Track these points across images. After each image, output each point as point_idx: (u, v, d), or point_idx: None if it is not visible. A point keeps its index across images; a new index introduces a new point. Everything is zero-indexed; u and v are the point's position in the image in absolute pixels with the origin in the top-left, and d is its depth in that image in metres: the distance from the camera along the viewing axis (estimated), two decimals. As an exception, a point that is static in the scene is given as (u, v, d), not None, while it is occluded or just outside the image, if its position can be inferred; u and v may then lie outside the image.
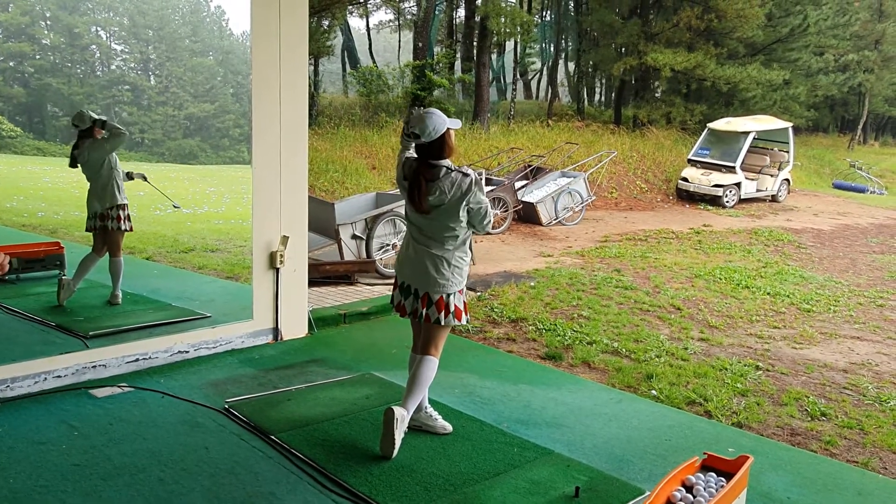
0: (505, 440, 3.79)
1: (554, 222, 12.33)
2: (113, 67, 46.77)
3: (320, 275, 7.33)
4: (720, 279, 8.57)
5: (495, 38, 20.85)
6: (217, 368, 4.82)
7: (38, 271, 6.44)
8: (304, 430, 3.81)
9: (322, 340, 5.58)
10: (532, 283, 7.97)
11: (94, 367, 4.50)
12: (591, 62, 24.79)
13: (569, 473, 3.44)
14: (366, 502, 3.14)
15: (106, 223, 5.77)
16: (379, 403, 4.11)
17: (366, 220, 8.02)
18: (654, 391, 4.94)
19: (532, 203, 12.17)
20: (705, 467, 3.10)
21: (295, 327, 5.58)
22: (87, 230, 5.87)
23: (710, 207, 15.28)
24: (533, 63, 25.82)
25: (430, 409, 3.84)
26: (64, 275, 6.18)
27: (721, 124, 16.88)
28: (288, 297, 5.46)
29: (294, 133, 5.33)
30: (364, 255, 7.98)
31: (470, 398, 4.46)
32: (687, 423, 4.29)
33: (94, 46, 45.63)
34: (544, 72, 26.43)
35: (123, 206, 5.81)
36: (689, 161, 16.43)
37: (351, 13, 21.24)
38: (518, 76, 24.59)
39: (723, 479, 2.99)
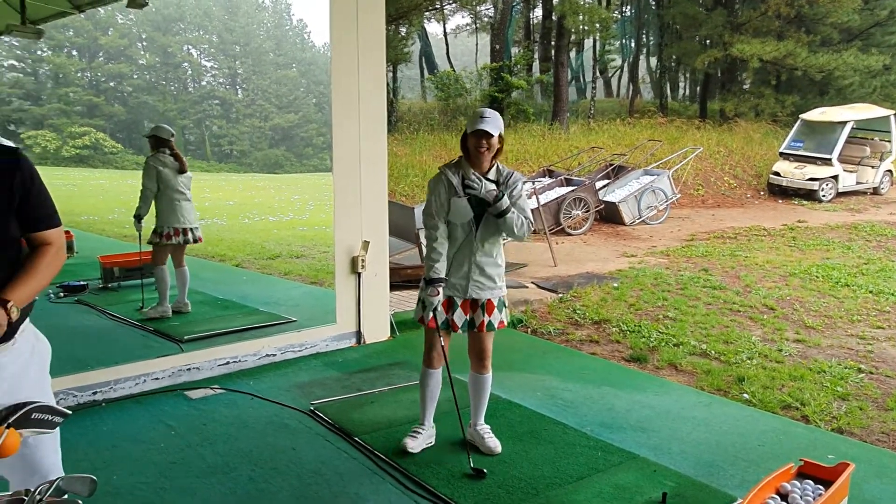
0: (588, 444, 3.73)
1: (637, 221, 12.05)
2: (203, 83, 49.06)
3: (401, 279, 7.42)
4: (817, 277, 8.16)
5: (573, 37, 20.58)
6: (303, 371, 4.95)
7: (137, 279, 6.81)
8: (386, 432, 3.87)
9: (404, 344, 5.64)
10: (615, 284, 7.82)
11: (188, 369, 4.71)
12: (673, 56, 24.07)
13: (655, 479, 3.34)
14: (448, 504, 3.15)
15: (195, 235, 6.03)
16: (460, 405, 4.11)
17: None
18: (745, 394, 4.74)
19: (614, 202, 11.95)
20: (802, 474, 2.96)
21: (377, 331, 5.67)
22: (164, 241, 5.87)
23: (804, 202, 14.59)
24: (613, 60, 25.24)
25: (475, 428, 3.76)
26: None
27: (815, 115, 16.10)
28: (370, 301, 5.55)
29: (373, 139, 5.41)
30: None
31: (552, 401, 4.41)
32: (781, 428, 4.10)
33: (186, 64, 48.02)
34: (625, 68, 25.83)
35: None
36: (781, 154, 15.77)
37: (428, 19, 21.40)
38: (598, 74, 24.14)
39: (821, 487, 2.83)
